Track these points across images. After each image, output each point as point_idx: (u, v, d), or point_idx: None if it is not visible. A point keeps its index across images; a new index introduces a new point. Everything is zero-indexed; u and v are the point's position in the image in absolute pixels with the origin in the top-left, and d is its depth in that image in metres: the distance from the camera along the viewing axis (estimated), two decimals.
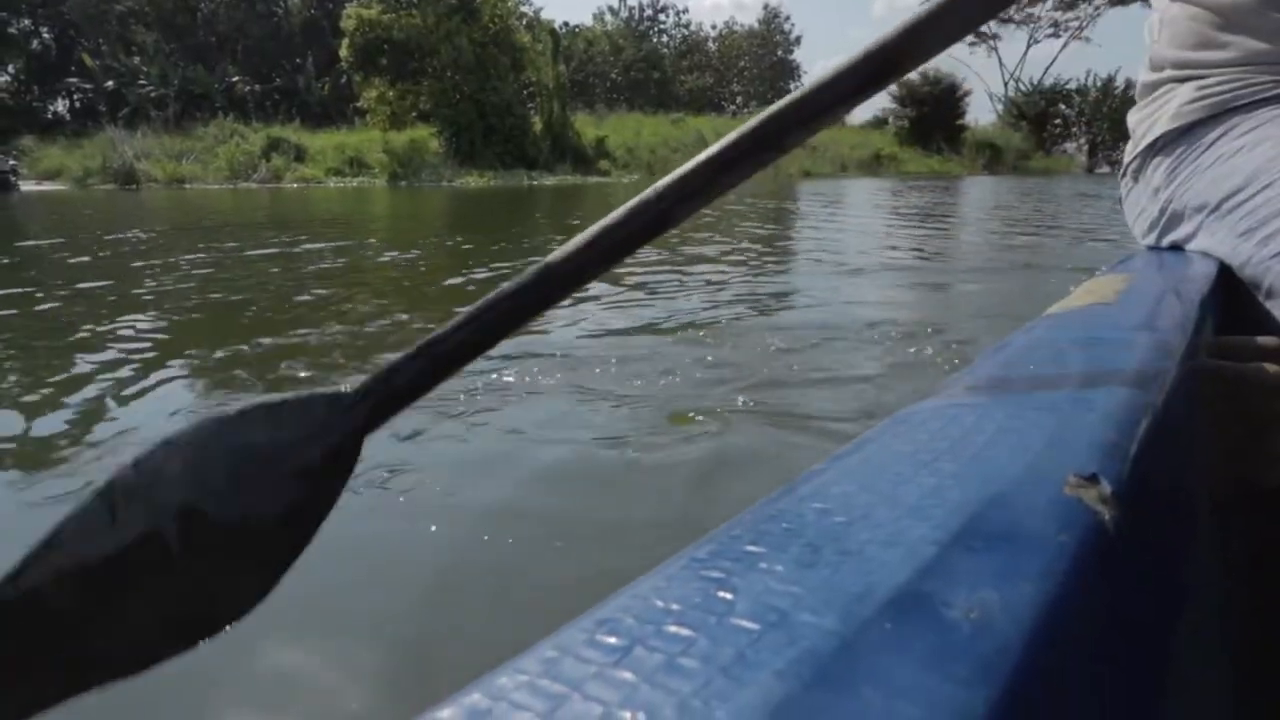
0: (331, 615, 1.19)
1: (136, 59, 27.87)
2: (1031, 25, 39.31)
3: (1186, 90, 0.82)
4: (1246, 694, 0.52)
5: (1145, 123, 0.89)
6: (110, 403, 2.27)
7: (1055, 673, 0.17)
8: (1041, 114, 37.52)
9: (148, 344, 2.99)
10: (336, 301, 3.88)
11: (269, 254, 5.79)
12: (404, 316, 3.46)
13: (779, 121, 0.30)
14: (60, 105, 30.74)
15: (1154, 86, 0.89)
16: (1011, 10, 40.85)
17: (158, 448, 0.24)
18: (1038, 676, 0.16)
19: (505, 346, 2.82)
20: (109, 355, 2.80)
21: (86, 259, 5.58)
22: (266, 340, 2.99)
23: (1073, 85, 37.92)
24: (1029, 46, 41.30)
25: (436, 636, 1.17)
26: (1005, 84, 40.52)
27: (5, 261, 5.59)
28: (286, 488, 0.25)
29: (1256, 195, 0.69)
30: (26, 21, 30.34)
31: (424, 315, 3.46)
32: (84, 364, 2.67)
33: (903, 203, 11.68)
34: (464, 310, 0.28)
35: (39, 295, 4.02)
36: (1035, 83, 39.03)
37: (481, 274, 4.73)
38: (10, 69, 30.62)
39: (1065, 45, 40.21)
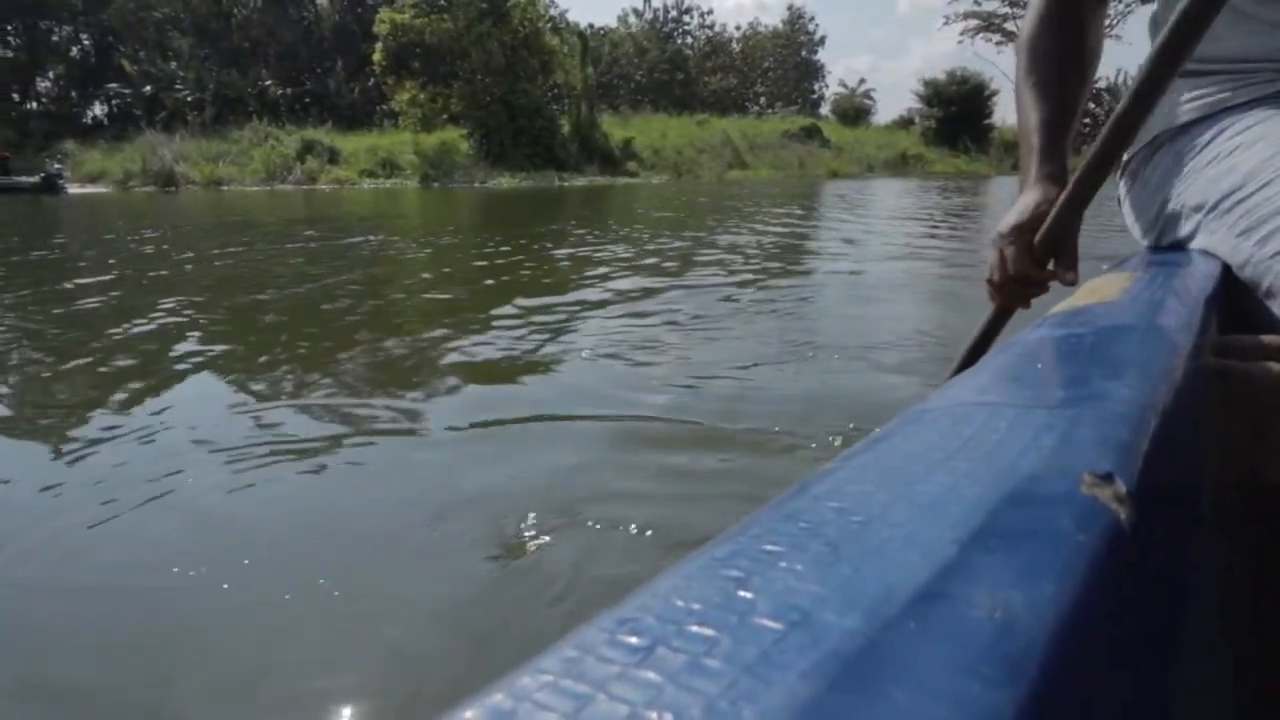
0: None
1: (173, 64, 28.50)
2: None
3: (1183, 88, 0.82)
4: (1250, 689, 0.53)
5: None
6: (149, 381, 2.47)
7: (1080, 672, 0.17)
8: None
9: (206, 325, 3.18)
10: (380, 280, 4.07)
11: (331, 246, 6.01)
12: (465, 300, 3.62)
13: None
14: (98, 109, 31.52)
15: None
16: None
17: None
18: (1064, 676, 0.16)
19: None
20: (159, 337, 3.00)
21: (152, 251, 5.83)
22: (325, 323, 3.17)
23: (1102, 84, 37.51)
24: None
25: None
26: None
27: (91, 252, 5.85)
28: None
29: (1255, 194, 0.69)
30: (68, 28, 31.14)
31: (468, 297, 3.62)
32: (132, 346, 2.86)
33: (929, 202, 11.72)
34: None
35: (118, 281, 4.25)
36: None
37: (504, 253, 4.90)
38: (50, 75, 31.43)
39: None
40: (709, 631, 0.16)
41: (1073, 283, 0.66)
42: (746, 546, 0.19)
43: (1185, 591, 0.33)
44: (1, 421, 2.18)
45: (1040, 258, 0.70)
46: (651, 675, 0.14)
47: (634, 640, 0.16)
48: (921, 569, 0.18)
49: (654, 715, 0.13)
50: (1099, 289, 0.57)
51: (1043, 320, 0.49)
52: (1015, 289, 0.74)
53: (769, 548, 0.19)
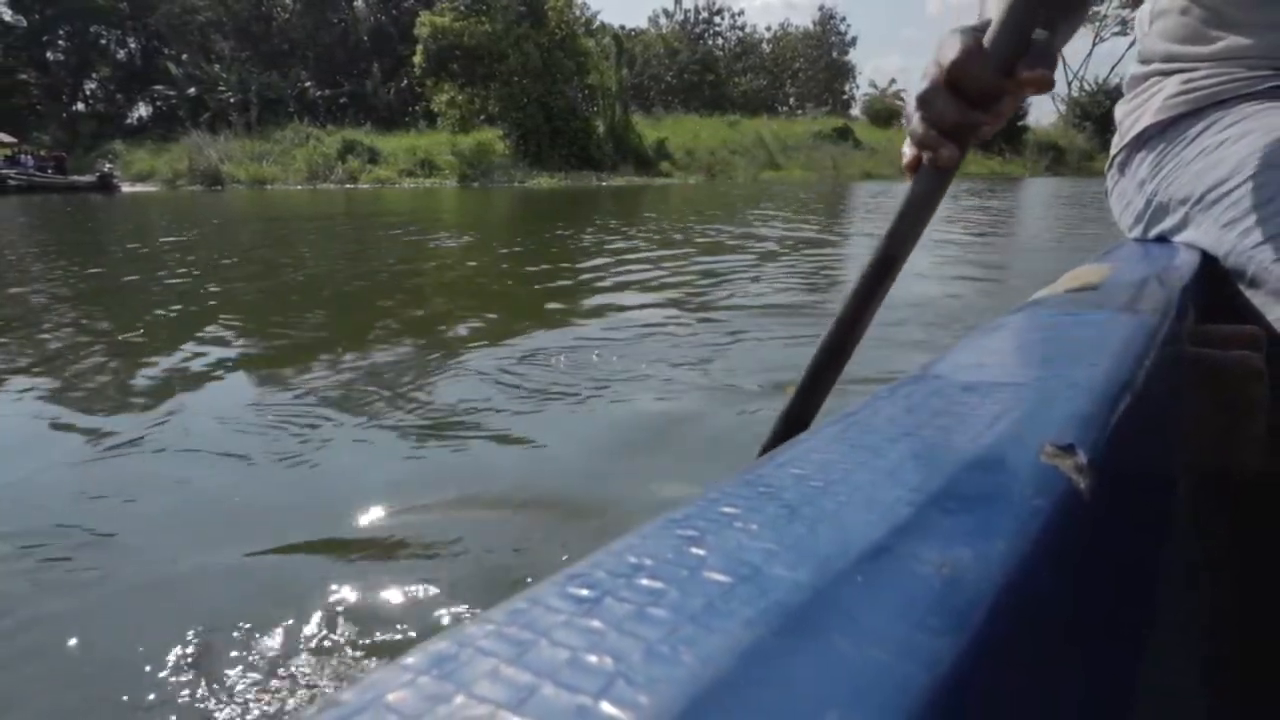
0: None
1: (216, 66, 29.15)
2: (1097, 24, 38.48)
3: (1173, 84, 0.83)
4: (1214, 657, 0.54)
5: (1131, 116, 0.89)
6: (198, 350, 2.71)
7: (1026, 626, 0.17)
8: (1106, 114, 36.65)
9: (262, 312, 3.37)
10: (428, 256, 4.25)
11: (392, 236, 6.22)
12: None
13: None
14: (143, 110, 32.34)
15: (1142, 79, 0.89)
16: None
17: None
18: (1009, 629, 0.16)
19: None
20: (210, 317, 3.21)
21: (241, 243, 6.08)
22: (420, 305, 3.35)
23: None
24: (1094, 45, 40.41)
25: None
26: (1069, 84, 39.70)
27: (174, 238, 6.12)
28: None
29: (1240, 187, 0.69)
30: (116, 32, 31.99)
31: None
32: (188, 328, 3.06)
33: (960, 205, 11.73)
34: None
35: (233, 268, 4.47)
36: (1100, 82, 38.20)
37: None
38: (97, 77, 32.31)
39: (1133, 44, 39.17)
40: (657, 584, 0.16)
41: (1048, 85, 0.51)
42: (704, 509, 0.20)
43: (1154, 572, 0.33)
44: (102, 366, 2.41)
45: (1003, 68, 0.51)
46: (595, 623, 0.15)
47: (583, 592, 0.16)
48: (875, 528, 0.18)
49: (595, 659, 0.14)
50: (1080, 276, 0.58)
51: (1022, 304, 0.50)
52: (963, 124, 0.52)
53: (726, 510, 0.20)
